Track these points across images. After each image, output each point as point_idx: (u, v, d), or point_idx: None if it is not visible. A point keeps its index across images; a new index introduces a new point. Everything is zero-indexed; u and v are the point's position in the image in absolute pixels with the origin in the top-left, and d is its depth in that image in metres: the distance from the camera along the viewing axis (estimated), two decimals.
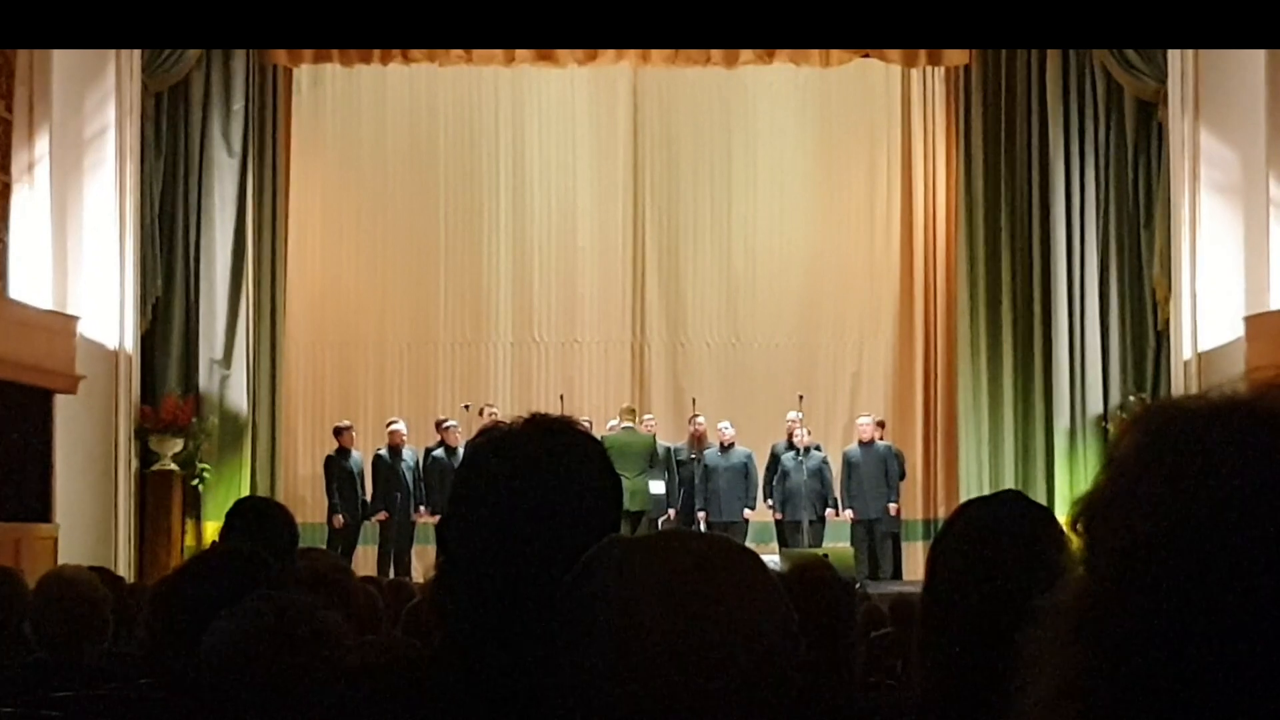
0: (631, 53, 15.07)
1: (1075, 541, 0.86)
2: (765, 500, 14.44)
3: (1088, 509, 0.85)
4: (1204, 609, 0.77)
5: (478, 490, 1.79)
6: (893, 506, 14.33)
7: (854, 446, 14.69)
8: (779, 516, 14.33)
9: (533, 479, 1.76)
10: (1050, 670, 0.83)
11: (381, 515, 14.18)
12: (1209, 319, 13.22)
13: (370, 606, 4.69)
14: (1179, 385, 13.58)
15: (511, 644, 1.70)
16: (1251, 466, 0.79)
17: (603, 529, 1.77)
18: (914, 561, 14.41)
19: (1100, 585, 0.81)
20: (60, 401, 12.16)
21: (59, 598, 4.28)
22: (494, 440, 1.82)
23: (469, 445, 1.95)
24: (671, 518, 14.22)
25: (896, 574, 14.29)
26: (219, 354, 14.54)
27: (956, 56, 15.13)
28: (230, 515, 4.26)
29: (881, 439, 14.67)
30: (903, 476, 14.69)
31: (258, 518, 4.18)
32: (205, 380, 14.47)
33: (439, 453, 14.21)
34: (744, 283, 16.32)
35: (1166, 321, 14.09)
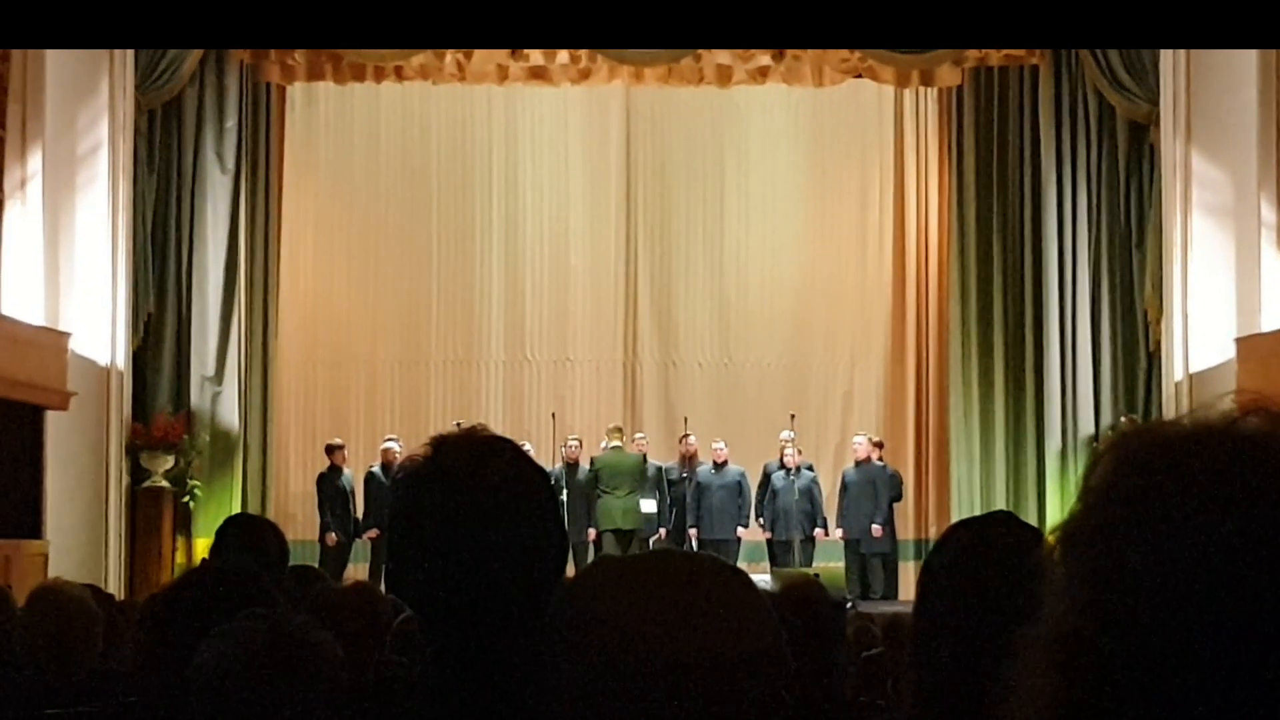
0: (624, 71, 15.08)
1: (1055, 570, 0.86)
2: (758, 519, 14.43)
3: (1064, 539, 0.85)
4: (1178, 640, 0.77)
5: (408, 540, 1.76)
6: (876, 528, 14.29)
7: (849, 466, 14.72)
8: (769, 535, 14.33)
9: (454, 508, 1.72)
10: (1029, 701, 0.83)
11: (373, 533, 14.17)
12: (1200, 340, 13.24)
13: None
14: (1170, 406, 13.59)
15: (494, 669, 1.70)
16: (1226, 494, 0.78)
17: (543, 514, 1.75)
18: (908, 581, 14.38)
19: (1077, 616, 0.82)
20: (51, 418, 12.14)
21: (48, 615, 4.27)
22: (407, 480, 1.79)
23: (392, 495, 1.88)
24: (663, 537, 14.22)
25: (891, 594, 14.26)
26: (210, 371, 14.53)
27: (948, 76, 15.16)
28: (220, 532, 4.24)
29: (880, 459, 14.66)
30: (898, 499, 14.66)
31: (248, 535, 4.16)
32: (197, 397, 14.46)
33: None
34: (736, 302, 16.32)
35: (1158, 343, 14.10)
